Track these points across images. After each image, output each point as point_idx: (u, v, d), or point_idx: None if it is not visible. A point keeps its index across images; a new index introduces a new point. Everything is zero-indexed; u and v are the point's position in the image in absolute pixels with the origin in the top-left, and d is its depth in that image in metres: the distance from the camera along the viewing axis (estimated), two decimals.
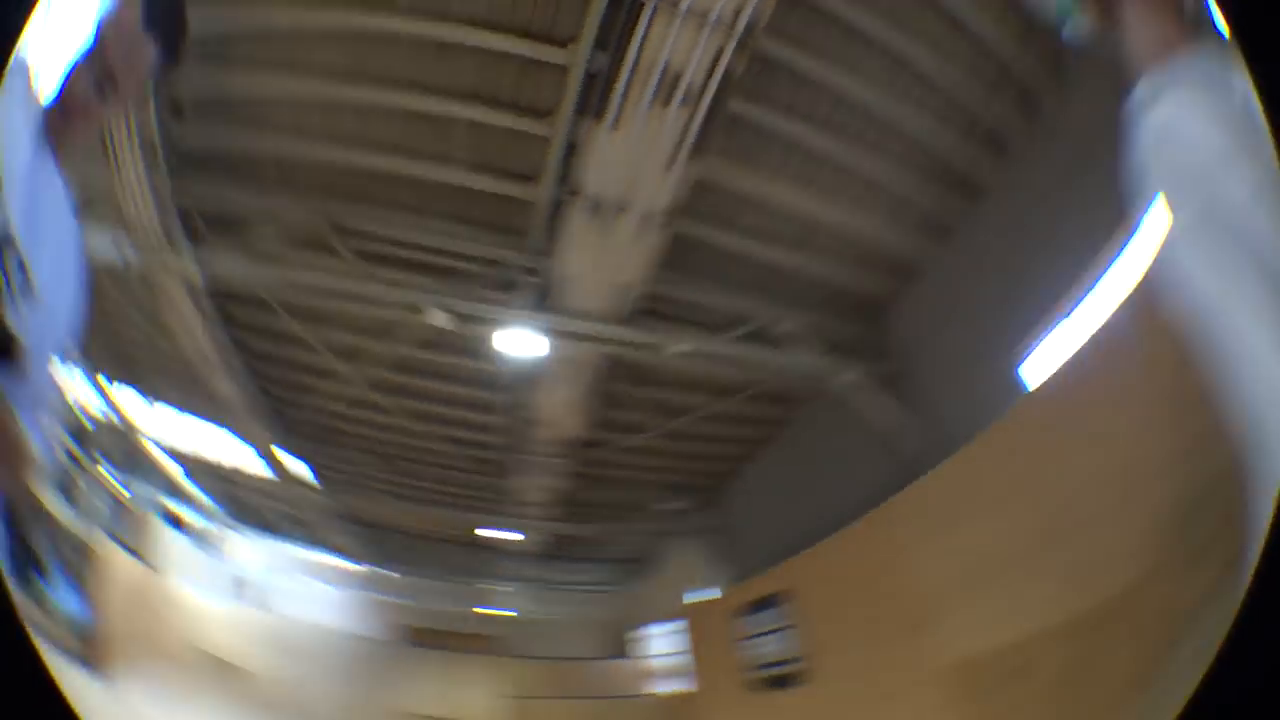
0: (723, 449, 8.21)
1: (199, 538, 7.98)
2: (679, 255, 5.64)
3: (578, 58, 4.32)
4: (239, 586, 8.72)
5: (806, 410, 7.12)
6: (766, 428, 7.62)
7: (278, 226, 5.26)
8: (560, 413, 6.68)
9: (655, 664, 9.14)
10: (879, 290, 6.08)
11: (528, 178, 5.14)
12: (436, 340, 5.90)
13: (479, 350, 5.83)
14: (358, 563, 13.41)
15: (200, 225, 5.19)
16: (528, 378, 6.33)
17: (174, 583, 7.04)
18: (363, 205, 5.33)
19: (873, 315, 6.20)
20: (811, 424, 7.07)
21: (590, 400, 6.74)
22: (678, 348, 6.08)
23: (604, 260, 5.49)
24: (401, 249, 5.48)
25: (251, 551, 9.21)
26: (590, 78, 4.36)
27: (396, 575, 13.52)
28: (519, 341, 5.83)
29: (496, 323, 5.66)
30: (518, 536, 9.70)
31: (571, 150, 4.80)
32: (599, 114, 4.50)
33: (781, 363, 6.26)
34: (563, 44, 4.35)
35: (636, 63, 4.13)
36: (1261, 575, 0.81)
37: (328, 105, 4.86)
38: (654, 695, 8.38)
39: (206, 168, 5.08)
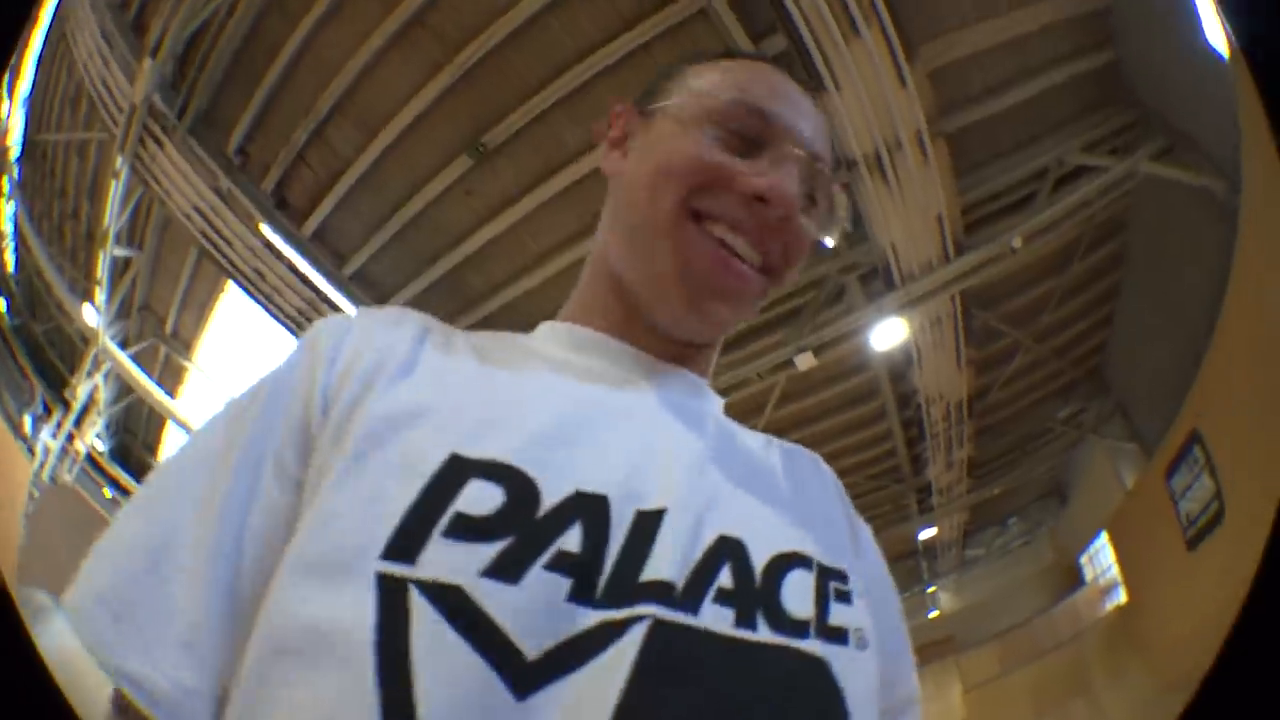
0: (1086, 324, 7.12)
1: None
2: (962, 155, 4.98)
3: None
4: None
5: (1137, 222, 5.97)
6: (1110, 274, 6.63)
7: None
8: (945, 379, 6.09)
9: (1104, 580, 8.03)
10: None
11: None
12: (810, 384, 5.70)
13: (852, 367, 5.50)
14: None
15: None
16: (903, 365, 5.86)
17: None
18: None
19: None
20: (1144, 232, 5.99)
21: (964, 350, 6.09)
22: (1016, 238, 5.29)
23: (909, 209, 4.98)
24: None
25: None
26: None
27: None
28: (880, 336, 5.42)
29: (852, 333, 5.32)
30: (940, 526, 9.00)
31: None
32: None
33: (1090, 189, 5.19)
34: None
35: None
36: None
37: None
38: (1114, 607, 7.14)
39: None
